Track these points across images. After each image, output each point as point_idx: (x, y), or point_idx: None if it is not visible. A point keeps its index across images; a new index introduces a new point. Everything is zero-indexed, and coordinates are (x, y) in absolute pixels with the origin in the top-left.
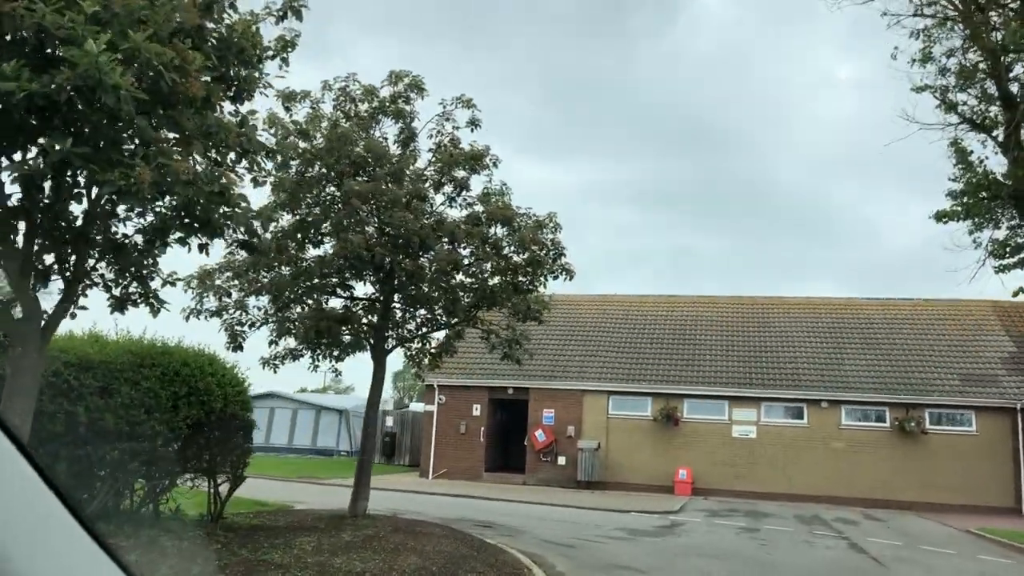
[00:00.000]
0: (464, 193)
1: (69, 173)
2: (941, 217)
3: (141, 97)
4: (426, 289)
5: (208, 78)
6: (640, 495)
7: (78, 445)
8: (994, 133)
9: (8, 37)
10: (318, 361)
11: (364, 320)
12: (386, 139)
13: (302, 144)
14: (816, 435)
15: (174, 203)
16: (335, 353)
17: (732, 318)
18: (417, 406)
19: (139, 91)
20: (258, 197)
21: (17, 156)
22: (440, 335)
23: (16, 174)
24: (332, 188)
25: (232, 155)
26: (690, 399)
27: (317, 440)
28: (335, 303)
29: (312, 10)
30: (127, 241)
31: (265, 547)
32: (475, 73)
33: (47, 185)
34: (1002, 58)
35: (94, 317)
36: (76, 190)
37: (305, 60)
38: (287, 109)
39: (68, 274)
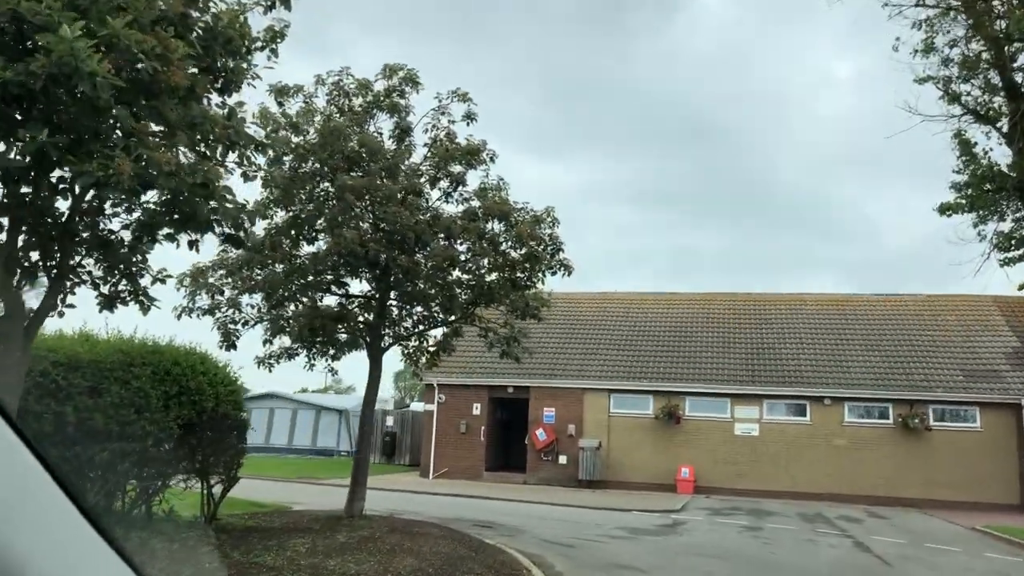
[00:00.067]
0: (460, 188)
1: (51, 166)
2: (945, 210)
3: (119, 84)
4: (422, 286)
5: (195, 70)
6: (642, 494)
7: (67, 446)
8: (998, 124)
9: None
10: (314, 360)
11: (360, 318)
12: (381, 134)
13: (295, 139)
14: (819, 432)
15: (165, 198)
16: (331, 352)
17: (733, 315)
18: (418, 406)
19: (116, 79)
20: (251, 193)
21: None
22: (438, 333)
23: None
24: (326, 184)
25: (220, 148)
26: (692, 397)
27: (317, 440)
28: (330, 301)
29: (312, 9)
30: (114, 237)
31: (258, 549)
32: (475, 73)
33: (29, 178)
34: (1006, 47)
35: (84, 316)
36: (61, 186)
37: (305, 59)
38: (279, 104)
39: (54, 271)
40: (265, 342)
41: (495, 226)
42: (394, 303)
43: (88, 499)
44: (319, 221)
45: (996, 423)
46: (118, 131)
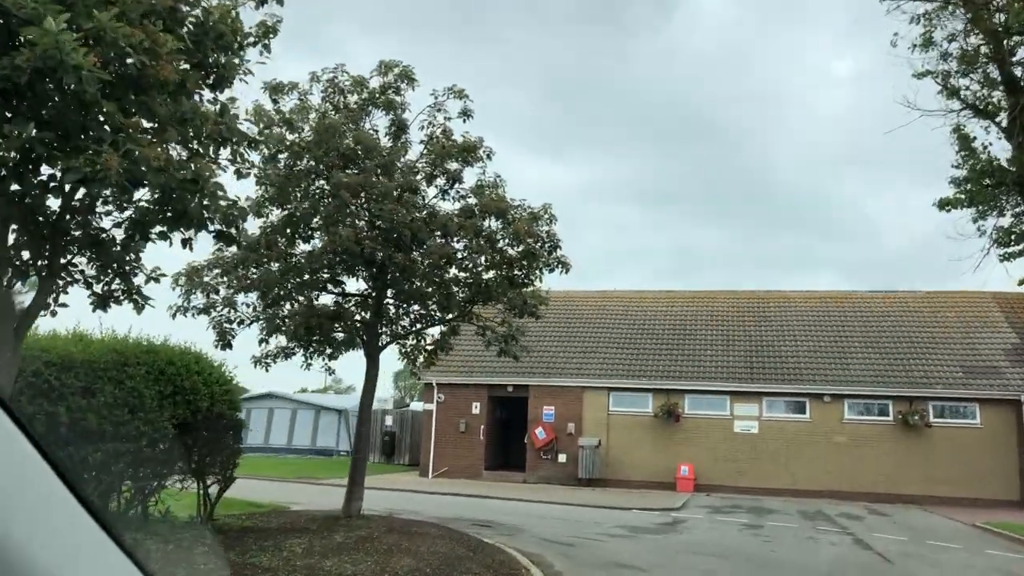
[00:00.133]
0: (457, 185)
1: (38, 162)
2: (944, 205)
3: (104, 78)
4: (419, 284)
5: (187, 66)
6: (642, 492)
7: (60, 446)
8: (998, 118)
9: None
10: (310, 359)
11: (356, 317)
12: (376, 131)
13: (289, 136)
14: (819, 430)
15: (156, 196)
16: (328, 351)
17: (732, 313)
18: (417, 405)
19: (103, 72)
20: (245, 190)
21: None
22: (435, 332)
23: None
24: (321, 182)
25: (212, 145)
26: (691, 395)
27: (316, 440)
28: (326, 299)
29: (312, 9)
30: (105, 236)
31: (254, 549)
32: (475, 72)
33: (16, 174)
34: (1005, 41)
35: (78, 315)
36: (52, 183)
37: (304, 59)
38: (274, 101)
39: (44, 270)
40: (261, 341)
41: (492, 223)
42: (391, 301)
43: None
44: (315, 219)
45: (996, 419)
46: (107, 127)
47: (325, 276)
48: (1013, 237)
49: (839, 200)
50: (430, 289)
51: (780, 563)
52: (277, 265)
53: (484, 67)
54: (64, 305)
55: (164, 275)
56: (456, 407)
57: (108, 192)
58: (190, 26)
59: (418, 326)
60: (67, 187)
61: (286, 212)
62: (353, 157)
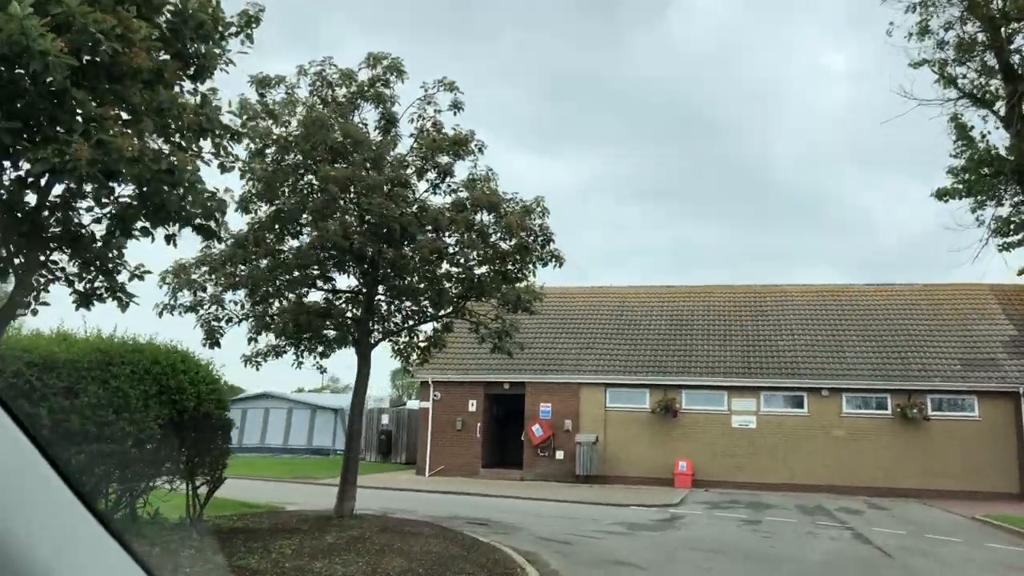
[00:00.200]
0: (448, 179)
1: (4, 153)
2: (943, 195)
3: (72, 63)
4: (410, 280)
5: (167, 56)
6: (639, 488)
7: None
8: (995, 107)
9: None
10: (302, 357)
11: (348, 314)
12: (366, 125)
13: (276, 130)
14: (817, 424)
15: (142, 191)
16: (319, 349)
17: (729, 308)
18: (414, 403)
19: (71, 58)
20: (232, 185)
21: None
22: (428, 328)
23: None
24: (310, 176)
25: (192, 136)
26: (688, 390)
27: (313, 439)
28: (316, 296)
29: (311, 8)
30: (84, 231)
31: (242, 551)
32: (475, 72)
33: None
34: (1002, 28)
35: (63, 314)
36: (30, 178)
37: (304, 58)
38: (261, 95)
39: (22, 267)
40: (250, 340)
41: (484, 217)
42: (382, 298)
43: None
44: (303, 215)
45: (995, 412)
46: (78, 116)
47: (315, 272)
48: (1012, 227)
49: (838, 194)
50: (422, 285)
51: (779, 559)
52: (265, 262)
53: (484, 66)
54: (45, 304)
55: (149, 272)
56: (452, 405)
57: (89, 187)
58: (167, 14)
59: (410, 323)
60: (42, 181)
61: (274, 208)
62: (342, 151)
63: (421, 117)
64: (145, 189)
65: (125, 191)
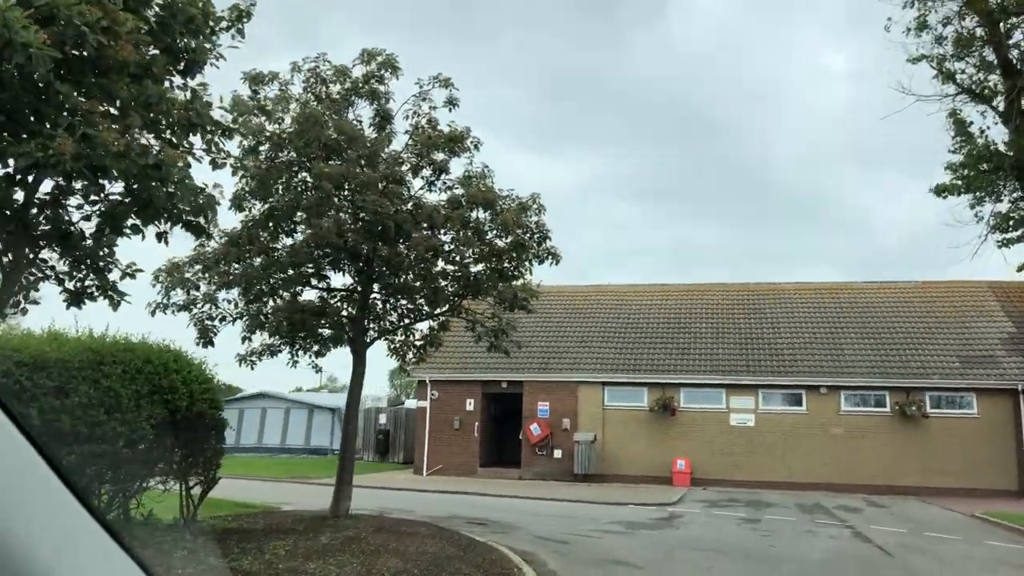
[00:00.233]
0: (443, 176)
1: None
2: (941, 191)
3: (55, 55)
4: (406, 278)
5: (156, 50)
6: (638, 487)
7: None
8: (994, 103)
9: None
10: (297, 357)
11: (343, 312)
12: (360, 122)
13: (270, 127)
14: (815, 422)
15: (130, 187)
16: (314, 348)
17: (727, 306)
18: (412, 403)
19: (54, 50)
20: (224, 182)
21: None
22: (424, 327)
23: None
24: (304, 174)
25: (182, 131)
26: (686, 388)
27: (310, 439)
28: (311, 295)
29: (311, 8)
30: (74, 229)
31: (235, 552)
32: (474, 72)
33: None
34: (1001, 23)
35: (54, 313)
36: (17, 175)
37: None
38: (254, 92)
39: (10, 265)
40: (244, 339)
41: (480, 214)
42: (377, 296)
43: None
44: (297, 212)
45: (993, 409)
46: (64, 110)
47: (309, 271)
48: (1011, 223)
49: (836, 191)
50: (417, 283)
51: (779, 558)
52: (259, 260)
53: (484, 66)
54: (35, 302)
55: (141, 271)
56: (450, 404)
57: (77, 183)
58: (156, 7)
59: (406, 321)
60: (30, 177)
61: (268, 205)
62: (336, 148)
63: (416, 114)
64: (133, 185)
65: (115, 188)
